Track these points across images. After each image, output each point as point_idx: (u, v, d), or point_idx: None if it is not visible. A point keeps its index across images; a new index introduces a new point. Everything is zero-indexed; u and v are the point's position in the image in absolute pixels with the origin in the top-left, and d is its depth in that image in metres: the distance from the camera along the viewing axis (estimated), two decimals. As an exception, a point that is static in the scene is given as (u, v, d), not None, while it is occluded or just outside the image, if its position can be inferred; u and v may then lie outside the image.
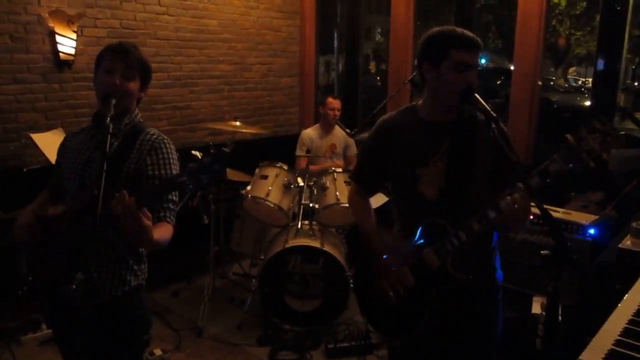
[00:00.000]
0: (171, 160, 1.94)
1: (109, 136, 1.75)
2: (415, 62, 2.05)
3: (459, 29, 1.88)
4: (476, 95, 1.80)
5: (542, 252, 1.45)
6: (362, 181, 2.29)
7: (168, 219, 1.90)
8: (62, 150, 2.11)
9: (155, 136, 1.96)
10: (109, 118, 1.80)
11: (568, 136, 1.67)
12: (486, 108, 1.74)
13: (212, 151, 1.57)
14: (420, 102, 2.07)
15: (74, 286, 1.48)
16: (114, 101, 1.85)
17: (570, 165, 1.66)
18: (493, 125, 1.72)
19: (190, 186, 1.57)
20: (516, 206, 1.71)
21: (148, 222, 1.66)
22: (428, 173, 1.97)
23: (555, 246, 1.44)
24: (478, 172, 1.95)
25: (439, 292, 1.95)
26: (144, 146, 1.93)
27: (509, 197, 1.72)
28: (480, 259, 2.04)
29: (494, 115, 1.73)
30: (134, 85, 1.94)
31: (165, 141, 1.97)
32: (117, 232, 1.87)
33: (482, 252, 2.05)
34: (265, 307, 3.83)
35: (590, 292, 2.64)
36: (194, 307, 4.06)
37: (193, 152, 1.63)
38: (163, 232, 1.85)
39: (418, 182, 1.98)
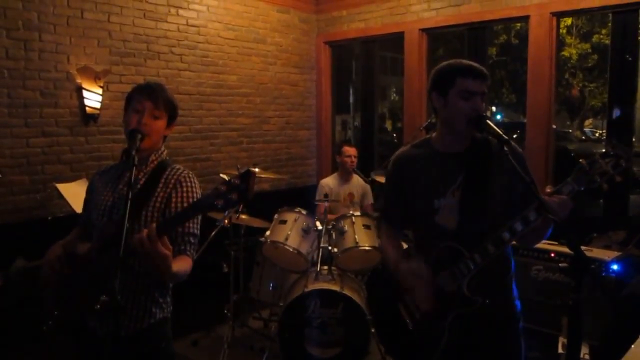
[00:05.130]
0: (194, 194, 2.00)
1: (134, 167, 1.82)
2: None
3: (465, 61, 1.96)
4: (487, 121, 1.85)
5: (560, 264, 1.45)
6: (391, 217, 2.27)
7: (188, 252, 1.95)
8: (91, 187, 2.18)
9: (180, 171, 2.04)
10: (134, 151, 1.87)
11: (581, 160, 1.70)
12: (498, 132, 1.79)
13: (239, 170, 1.61)
14: (434, 134, 2.12)
15: (97, 306, 1.50)
16: (139, 136, 1.93)
17: (583, 188, 1.68)
18: (506, 148, 1.76)
19: (219, 206, 1.62)
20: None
21: (166, 252, 1.71)
22: (446, 204, 1.99)
23: (573, 257, 1.44)
24: (494, 200, 1.97)
25: (455, 316, 1.94)
26: (170, 181, 2.00)
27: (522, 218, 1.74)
28: (497, 284, 2.03)
29: (506, 138, 1.77)
30: (161, 123, 2.03)
31: (190, 176, 2.04)
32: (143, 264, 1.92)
33: (499, 277, 2.04)
34: (285, 355, 3.78)
35: (618, 322, 2.58)
36: (214, 356, 4.01)
37: (221, 174, 1.68)
38: (182, 264, 1.89)
39: (436, 214, 2.01)
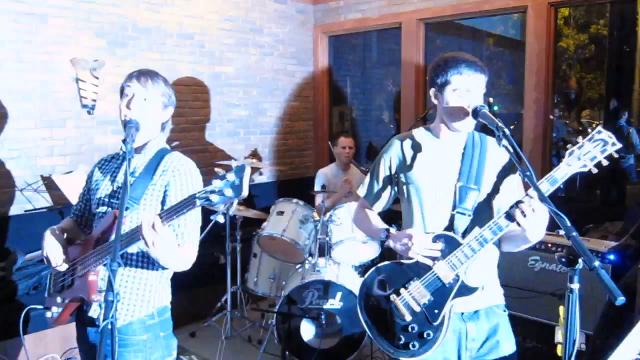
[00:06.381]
0: (193, 181, 1.99)
1: (129, 159, 1.81)
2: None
3: (459, 55, 1.96)
4: (484, 111, 1.85)
5: (556, 253, 1.44)
6: (370, 194, 2.25)
7: (189, 241, 1.95)
8: (91, 177, 2.17)
9: (178, 158, 2.03)
10: (130, 141, 1.86)
11: (569, 145, 1.74)
12: (496, 122, 1.79)
13: (234, 165, 1.60)
14: (433, 124, 2.13)
15: (95, 298, 1.50)
16: (135, 127, 1.92)
17: (575, 172, 1.72)
18: (503, 139, 1.75)
19: (214, 201, 1.61)
20: (527, 213, 1.73)
21: (172, 238, 1.71)
22: (442, 189, 2.01)
23: (569, 247, 1.44)
24: (490, 189, 1.99)
25: (454, 306, 1.94)
26: (168, 168, 1.99)
27: (520, 204, 1.75)
28: (490, 274, 2.06)
29: (504, 128, 1.77)
30: (152, 107, 2.02)
31: (189, 164, 2.03)
32: (141, 253, 1.93)
33: (490, 268, 2.06)
34: (282, 345, 3.78)
35: (614, 312, 2.59)
36: (211, 348, 4.03)
37: (216, 169, 1.68)
38: (187, 251, 1.91)
39: (432, 198, 2.02)
